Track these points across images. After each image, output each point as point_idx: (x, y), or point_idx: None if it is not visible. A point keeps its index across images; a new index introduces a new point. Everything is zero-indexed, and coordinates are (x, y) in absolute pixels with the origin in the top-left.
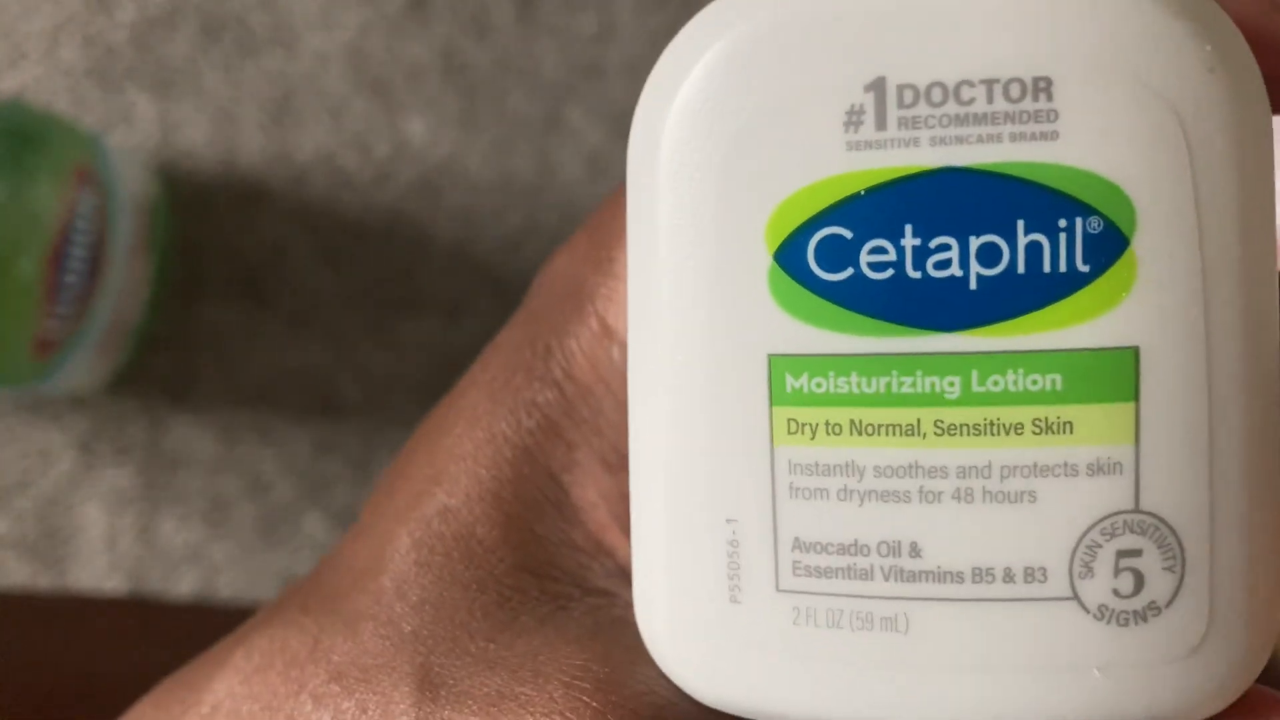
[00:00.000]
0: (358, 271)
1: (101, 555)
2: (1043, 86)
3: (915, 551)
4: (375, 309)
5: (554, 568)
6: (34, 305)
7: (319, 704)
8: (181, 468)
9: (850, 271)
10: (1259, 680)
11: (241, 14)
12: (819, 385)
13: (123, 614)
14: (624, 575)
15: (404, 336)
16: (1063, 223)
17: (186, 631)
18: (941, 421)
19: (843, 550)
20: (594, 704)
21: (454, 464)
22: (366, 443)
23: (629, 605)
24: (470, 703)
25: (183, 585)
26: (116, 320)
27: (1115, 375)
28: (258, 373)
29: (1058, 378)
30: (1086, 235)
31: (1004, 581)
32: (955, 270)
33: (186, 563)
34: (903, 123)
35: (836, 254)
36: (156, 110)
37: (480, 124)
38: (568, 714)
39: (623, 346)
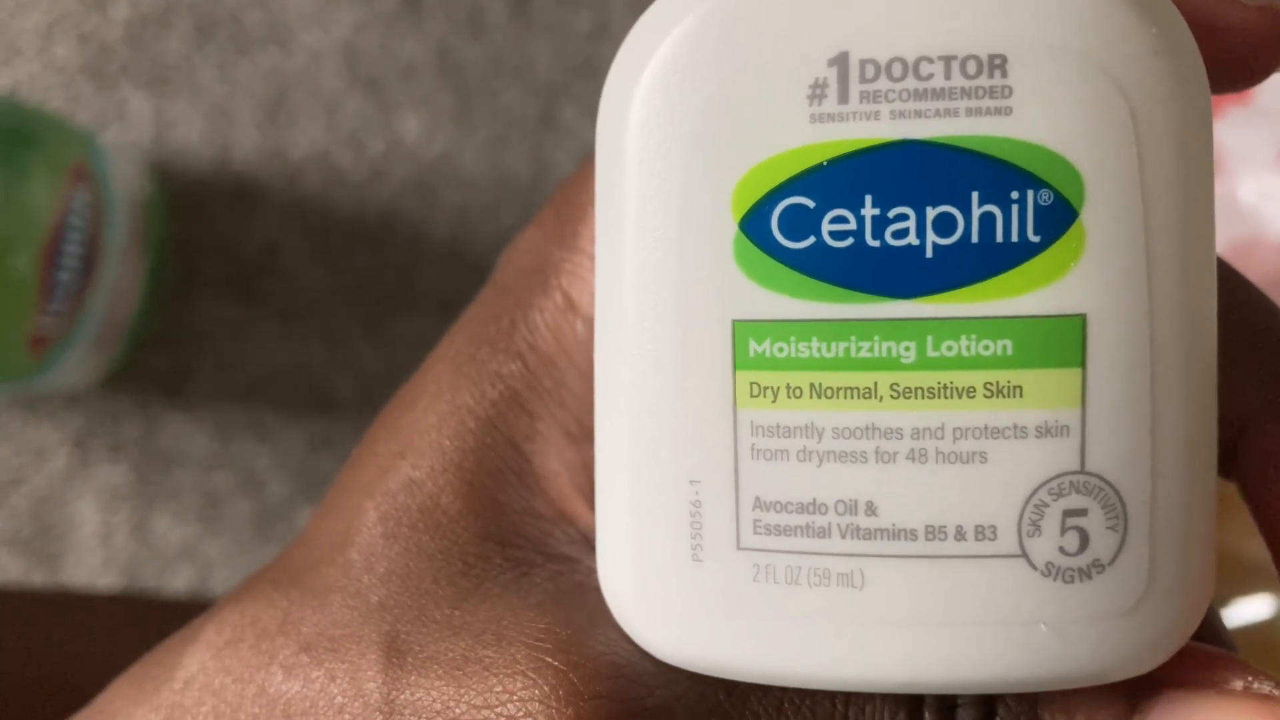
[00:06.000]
0: (352, 269)
1: (95, 552)
2: (998, 64)
3: (871, 510)
4: (369, 306)
5: (517, 535)
6: (28, 302)
7: (289, 674)
8: (176, 465)
9: (812, 240)
10: (1194, 638)
11: (236, 12)
12: (781, 350)
13: (116, 609)
14: (585, 542)
15: (398, 334)
16: (1015, 194)
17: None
18: (897, 385)
19: (801, 509)
20: (556, 664)
21: (419, 437)
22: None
23: (591, 571)
24: (436, 667)
25: (177, 582)
26: (111, 317)
27: (1063, 342)
28: (252, 370)
29: (1008, 343)
30: (1037, 207)
31: (956, 539)
32: (912, 239)
33: (181, 559)
34: (864, 96)
35: (799, 223)
36: (151, 108)
37: (474, 122)
38: (530, 674)
39: (586, 320)
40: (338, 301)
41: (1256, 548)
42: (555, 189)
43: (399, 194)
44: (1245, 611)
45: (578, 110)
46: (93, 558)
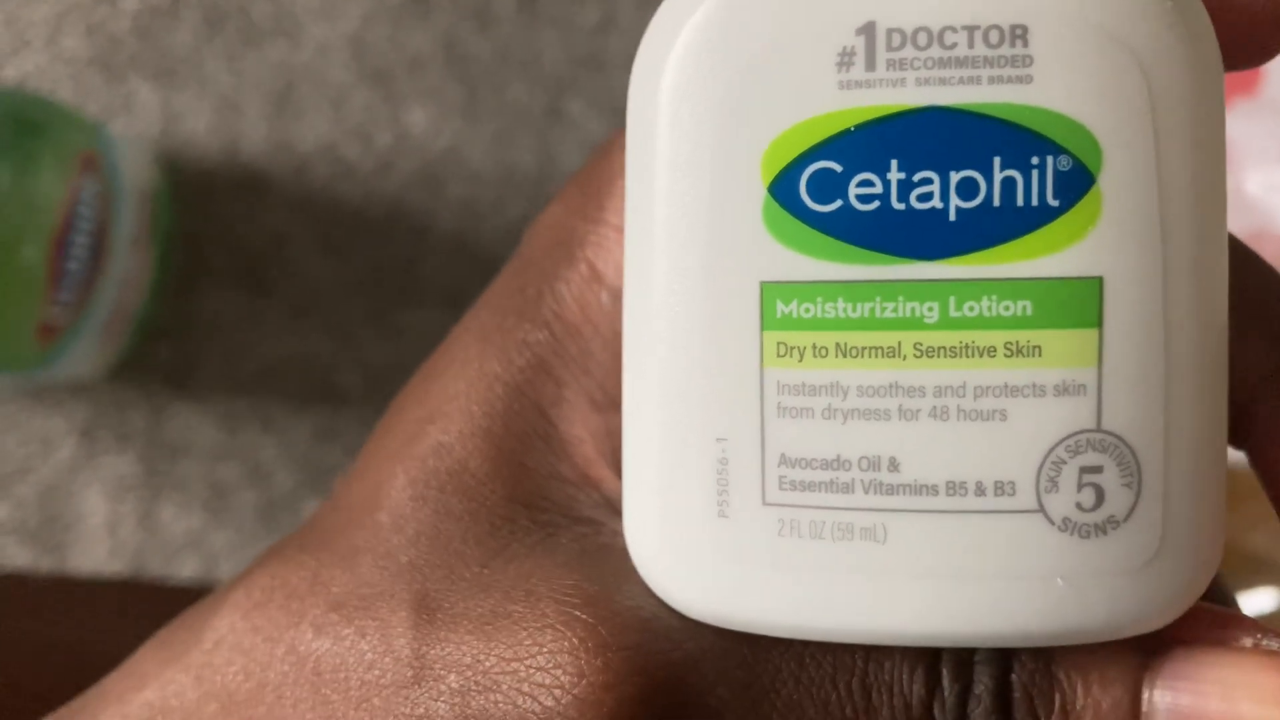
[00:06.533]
0: (358, 261)
1: (102, 542)
2: (1019, 34)
3: (894, 466)
4: (376, 298)
5: (543, 498)
6: (37, 292)
7: (319, 632)
8: (182, 455)
9: (839, 203)
10: (1203, 599)
11: (244, 4)
12: (807, 310)
13: (123, 599)
14: (609, 506)
15: (404, 326)
16: (1035, 160)
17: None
18: (920, 344)
19: (826, 465)
20: (585, 617)
21: (447, 403)
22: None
23: (615, 533)
24: (465, 623)
25: (183, 572)
26: (118, 308)
27: (1081, 303)
28: (258, 361)
29: (1028, 304)
30: (1056, 172)
31: (975, 494)
32: (936, 203)
33: (187, 550)
34: (890, 64)
35: (827, 186)
36: (159, 99)
37: (481, 115)
38: (559, 627)
39: (611, 291)
40: (344, 293)
41: (1262, 540)
42: (564, 179)
43: (406, 186)
44: (1251, 604)
45: (584, 103)
46: (99, 547)
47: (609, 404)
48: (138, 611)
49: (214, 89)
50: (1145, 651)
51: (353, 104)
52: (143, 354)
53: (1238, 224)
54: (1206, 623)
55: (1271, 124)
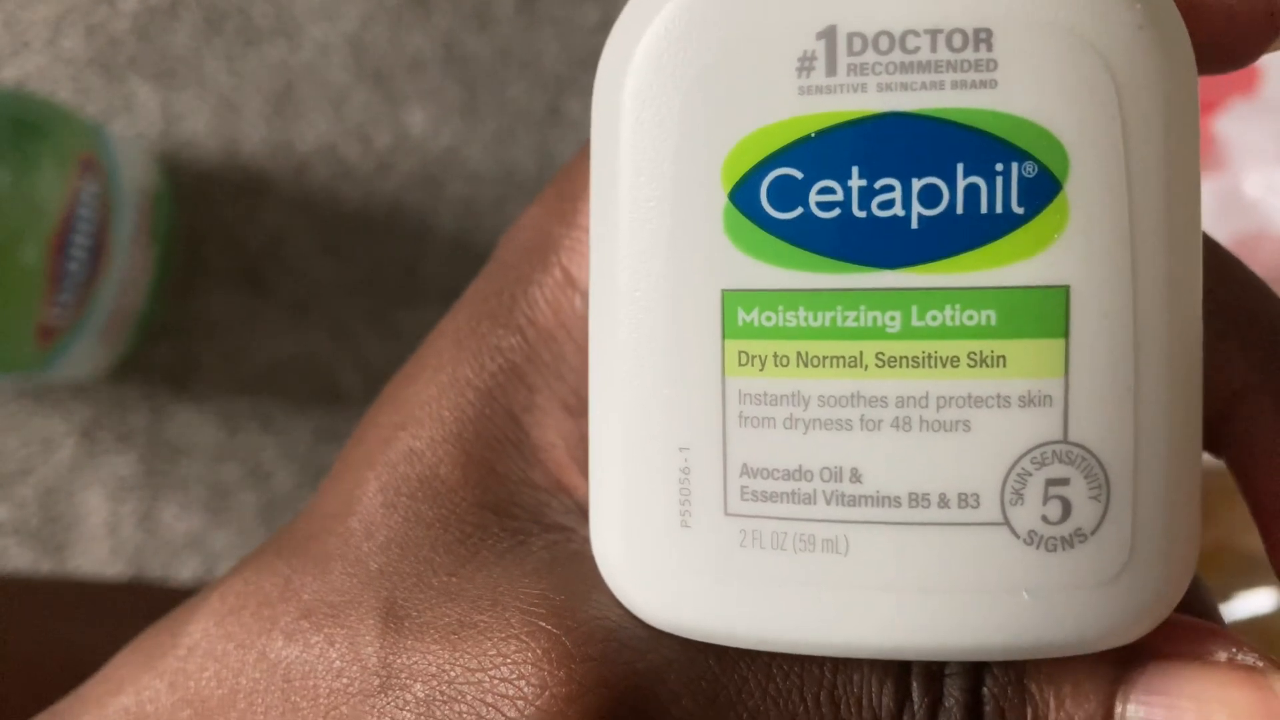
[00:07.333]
0: (358, 261)
1: (103, 542)
2: (983, 37)
3: (856, 477)
4: (375, 298)
5: (514, 505)
6: (37, 293)
7: (289, 640)
8: (183, 455)
9: (800, 210)
10: (1182, 611)
11: (244, 4)
12: (769, 319)
13: (123, 599)
14: (581, 512)
15: (404, 325)
16: (999, 166)
17: None
18: (882, 354)
19: (787, 475)
20: (549, 628)
21: (419, 408)
22: None
23: (586, 540)
24: (432, 632)
25: (184, 572)
26: (118, 308)
27: (1046, 312)
28: (259, 361)
29: (992, 313)
30: (1021, 179)
31: (939, 506)
32: (898, 210)
33: (187, 550)
34: (852, 69)
35: (787, 194)
36: (159, 100)
37: (481, 115)
38: (523, 638)
39: (584, 296)
40: (344, 293)
41: (1258, 540)
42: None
43: (405, 186)
44: (1247, 605)
45: (584, 103)
46: (100, 548)
47: (582, 409)
48: (138, 612)
49: (214, 89)
50: (1119, 664)
51: (353, 104)
52: (143, 354)
53: (1237, 226)
54: (1182, 636)
55: (1271, 124)
